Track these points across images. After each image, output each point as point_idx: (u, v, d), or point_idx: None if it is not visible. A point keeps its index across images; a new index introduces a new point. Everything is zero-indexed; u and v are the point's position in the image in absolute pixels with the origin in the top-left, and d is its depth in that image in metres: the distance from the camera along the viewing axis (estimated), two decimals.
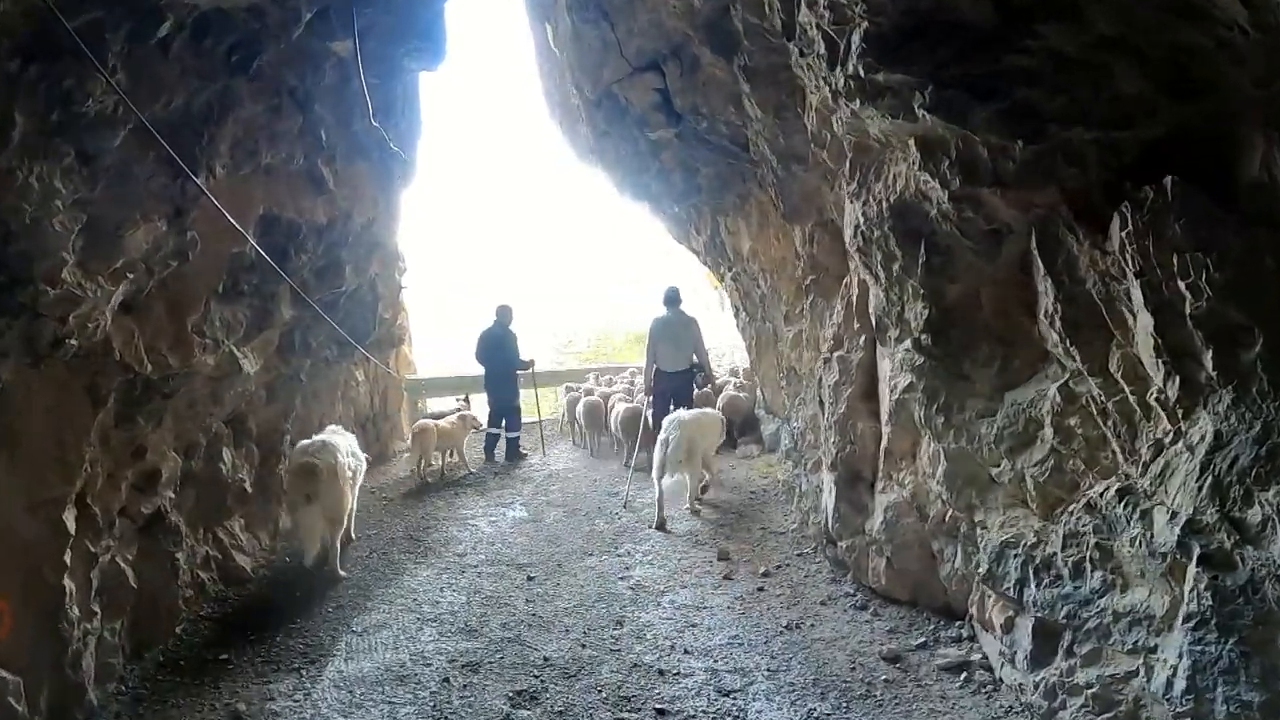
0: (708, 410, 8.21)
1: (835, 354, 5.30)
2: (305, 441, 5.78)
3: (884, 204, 4.27)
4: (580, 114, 8.85)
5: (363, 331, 7.83)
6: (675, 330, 8.65)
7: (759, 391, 10.07)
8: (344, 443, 5.96)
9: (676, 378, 8.57)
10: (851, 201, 4.59)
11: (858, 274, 5.08)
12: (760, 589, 5.27)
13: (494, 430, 9.85)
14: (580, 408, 10.39)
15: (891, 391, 4.56)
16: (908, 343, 4.37)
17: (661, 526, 6.69)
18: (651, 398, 8.77)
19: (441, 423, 8.89)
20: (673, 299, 8.83)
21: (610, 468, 9.29)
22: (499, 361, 9.70)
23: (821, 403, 5.57)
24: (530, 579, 5.55)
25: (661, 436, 7.07)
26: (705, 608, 4.96)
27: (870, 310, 4.79)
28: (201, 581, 5.21)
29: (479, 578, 5.62)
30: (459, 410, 9.59)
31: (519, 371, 9.97)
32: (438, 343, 18.06)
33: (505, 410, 9.93)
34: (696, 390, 8.96)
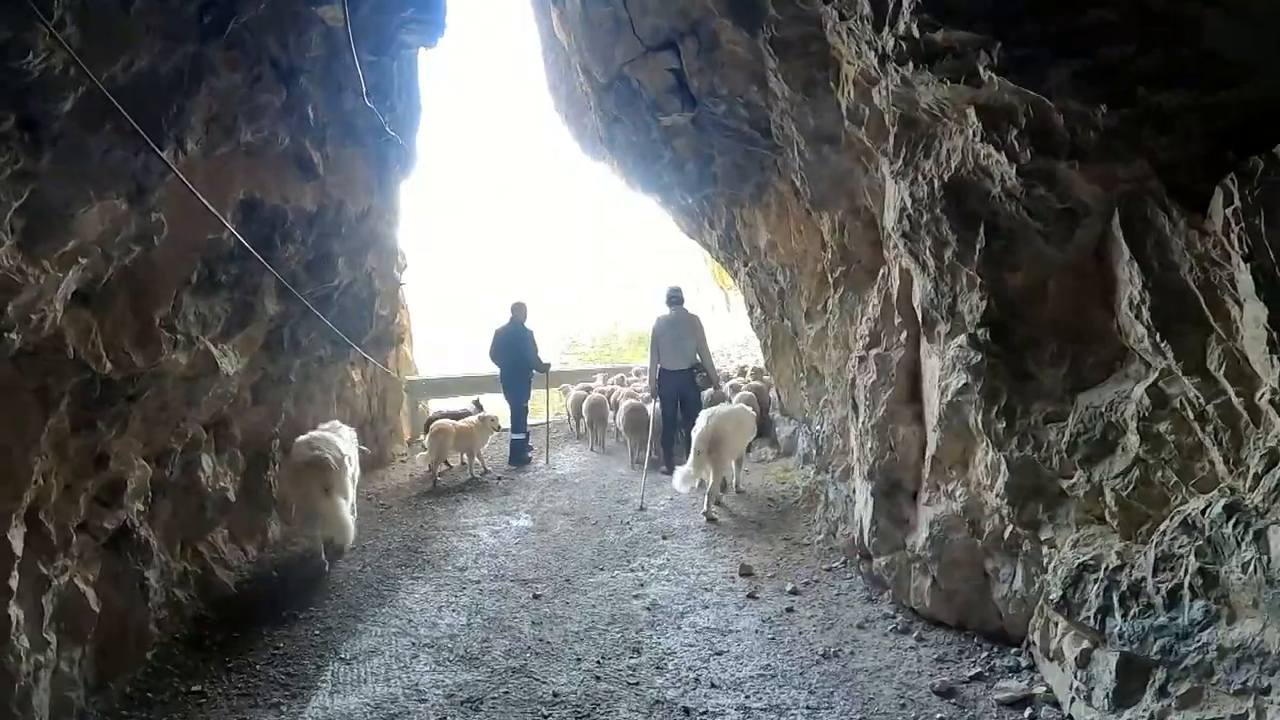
0: (743, 405, 8.05)
1: (872, 352, 4.83)
2: (304, 437, 5.83)
3: (935, 183, 3.81)
4: (588, 102, 8.41)
5: (358, 330, 7.38)
6: (679, 329, 8.56)
7: (775, 392, 9.59)
8: (338, 439, 6.00)
9: (680, 376, 8.50)
10: (896, 182, 4.13)
11: (899, 263, 4.61)
12: (789, 609, 4.79)
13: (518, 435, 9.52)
14: (585, 404, 10.26)
15: (942, 393, 4.08)
16: (961, 339, 3.91)
17: (712, 514, 6.84)
18: (658, 397, 8.73)
19: (460, 423, 8.52)
20: (676, 298, 8.73)
21: (618, 471, 8.82)
22: (515, 360, 9.39)
23: (854, 405, 5.10)
24: (536, 597, 5.08)
25: (699, 430, 7.05)
26: (731, 632, 4.49)
27: (915, 303, 4.33)
28: (178, 601, 4.74)
29: (480, 595, 5.15)
30: (470, 411, 9.28)
31: (536, 373, 9.69)
32: (440, 342, 17.63)
33: (519, 412, 9.62)
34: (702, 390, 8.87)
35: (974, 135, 3.51)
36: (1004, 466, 3.79)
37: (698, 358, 8.68)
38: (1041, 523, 3.74)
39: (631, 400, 9.60)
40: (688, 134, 7.03)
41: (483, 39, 58.41)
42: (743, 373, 12.16)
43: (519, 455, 9.38)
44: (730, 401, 8.59)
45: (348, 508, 5.64)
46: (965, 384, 3.90)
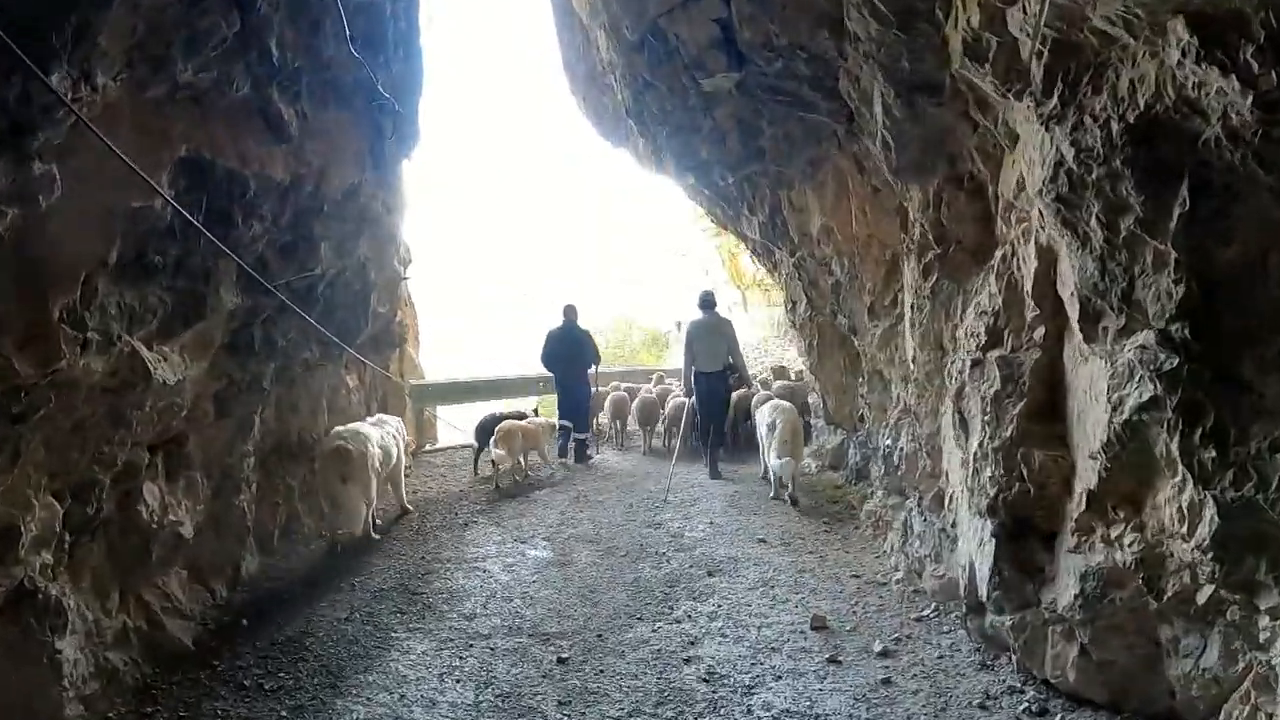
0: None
1: (991, 354, 3.74)
2: (338, 428, 5.98)
3: (1114, 126, 2.74)
4: (611, 73, 7.36)
5: (351, 328, 6.34)
6: (712, 332, 8.53)
7: (819, 398, 8.50)
8: (377, 433, 6.14)
9: (714, 378, 8.45)
10: (1048, 129, 3.04)
11: (1032, 240, 3.52)
12: (885, 680, 3.71)
13: (566, 423, 9.23)
14: (636, 405, 10.24)
15: (1112, 410, 2.99)
16: (1143, 336, 2.82)
17: (795, 503, 7.05)
18: (693, 399, 8.77)
19: (526, 424, 8.19)
20: (709, 302, 8.75)
21: (646, 489, 7.75)
22: (571, 361, 9.23)
23: (961, 421, 4.01)
24: (562, 661, 4.00)
25: (767, 420, 7.45)
26: (818, 717, 3.42)
27: (1067, 291, 3.24)
28: (113, 669, 3.70)
29: (492, 656, 4.08)
30: (526, 414, 8.94)
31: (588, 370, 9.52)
32: (442, 331, 16.59)
33: (577, 412, 9.36)
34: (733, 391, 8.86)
35: (1182, 56, 2.45)
36: (1211, 509, 2.70)
37: (730, 360, 8.58)
38: (1261, 586, 2.67)
39: (648, 395, 10.24)
40: (732, 101, 5.97)
41: (485, 26, 57.49)
42: (781, 373, 11.15)
43: (578, 456, 9.21)
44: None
45: (363, 498, 5.71)
46: (1152, 397, 2.81)
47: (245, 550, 5.36)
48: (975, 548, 3.92)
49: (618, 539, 6.09)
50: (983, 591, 3.85)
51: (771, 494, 7.28)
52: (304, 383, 6.17)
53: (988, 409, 3.70)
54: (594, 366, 9.53)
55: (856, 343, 6.73)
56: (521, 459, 8.10)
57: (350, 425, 6.07)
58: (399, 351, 9.04)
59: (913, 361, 5.06)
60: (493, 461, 7.70)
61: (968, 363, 3.91)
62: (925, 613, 4.47)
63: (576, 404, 9.30)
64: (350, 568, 5.48)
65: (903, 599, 4.72)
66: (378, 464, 5.95)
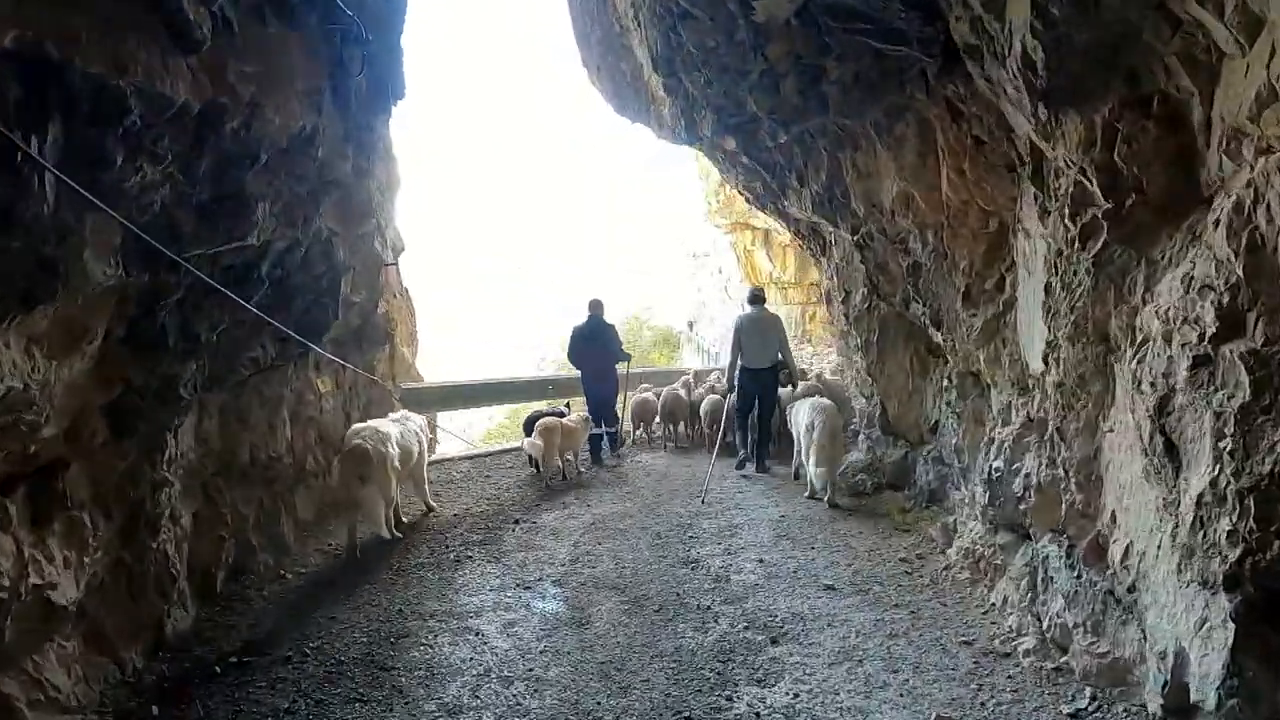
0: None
1: (1229, 348, 2.48)
2: (357, 425, 5.77)
3: None
4: (636, 18, 6.12)
5: (318, 320, 5.13)
6: (762, 327, 8.18)
7: (873, 403, 7.23)
8: (396, 430, 5.82)
9: (762, 375, 8.10)
10: None
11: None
12: None
13: (599, 430, 8.79)
14: (662, 400, 9.83)
15: None
16: None
17: (834, 504, 6.58)
18: (736, 395, 8.37)
19: (565, 421, 7.80)
20: (758, 297, 8.59)
21: (674, 511, 6.50)
22: (599, 357, 8.96)
23: (1167, 446, 2.75)
24: None
25: (805, 421, 6.85)
26: None
27: None
28: None
29: None
30: (564, 412, 8.56)
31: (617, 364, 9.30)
32: (444, 320, 15.44)
33: (605, 408, 9.09)
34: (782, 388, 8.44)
35: None
36: None
37: (780, 357, 8.20)
38: None
39: (675, 391, 9.88)
40: (790, 34, 4.71)
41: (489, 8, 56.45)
42: (820, 378, 9.98)
43: (610, 448, 9.02)
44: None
45: (382, 497, 5.49)
46: None
47: (172, 604, 4.16)
48: (1190, 629, 2.66)
49: (647, 583, 4.84)
50: (1204, 693, 2.59)
51: (806, 494, 6.89)
52: (256, 388, 4.97)
53: (1227, 430, 2.44)
54: (625, 363, 9.35)
55: (939, 337, 5.48)
56: (562, 457, 7.73)
57: (370, 423, 5.78)
58: (387, 350, 7.83)
59: (1047, 359, 3.80)
60: (530, 456, 7.50)
61: (1182, 362, 2.64)
62: (1082, 705, 3.22)
63: (605, 400, 9.06)
64: (307, 623, 4.27)
65: (1040, 680, 3.47)
66: (397, 463, 5.63)
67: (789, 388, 8.30)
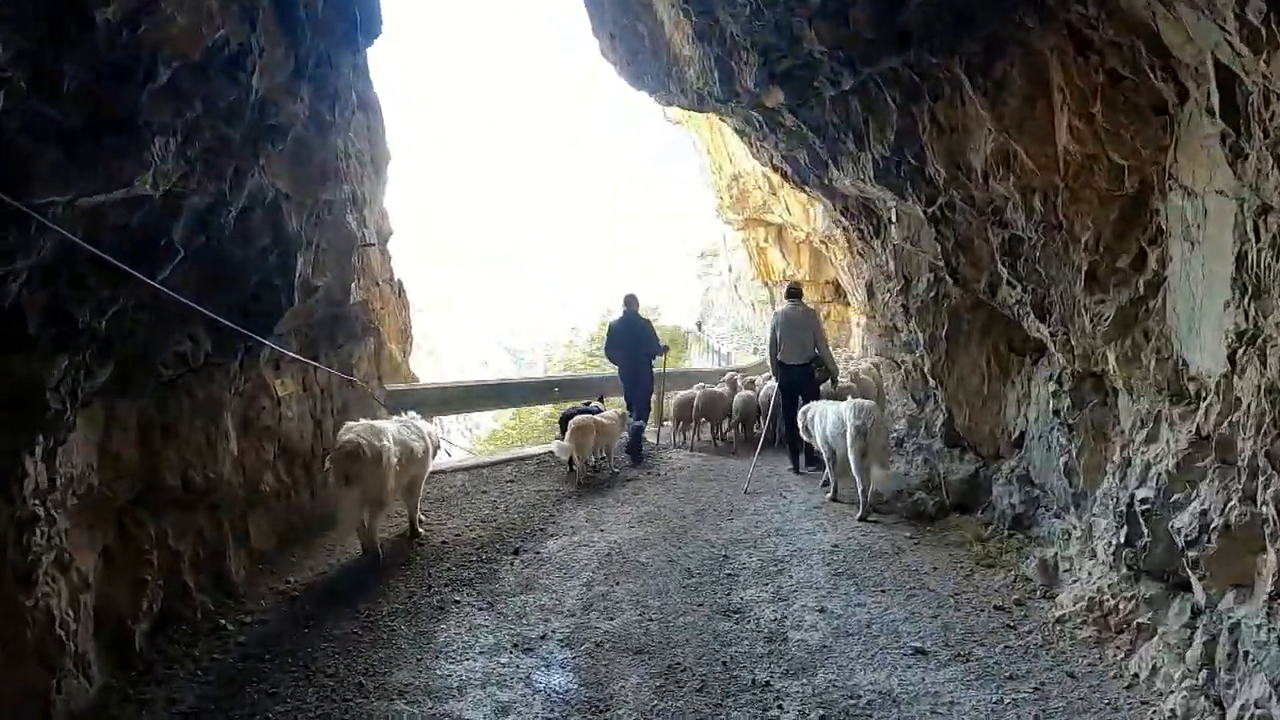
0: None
1: None
2: (351, 423, 4.89)
3: None
4: None
5: (267, 306, 4.10)
6: (797, 323, 7.99)
7: (941, 410, 6.17)
8: (393, 428, 5.06)
9: (797, 370, 7.95)
10: None
11: None
12: None
13: (639, 423, 8.59)
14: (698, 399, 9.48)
15: None
16: None
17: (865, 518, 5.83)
18: (779, 392, 8.24)
19: (599, 418, 7.45)
20: (795, 292, 8.61)
21: (704, 535, 5.45)
22: (635, 353, 8.82)
23: None
24: None
25: (856, 423, 5.86)
26: None
27: None
28: None
29: None
30: (600, 408, 8.04)
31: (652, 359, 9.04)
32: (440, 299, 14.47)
33: (640, 403, 8.89)
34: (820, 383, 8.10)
35: None
36: None
37: (816, 351, 7.94)
38: None
39: (708, 388, 9.71)
40: None
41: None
42: (855, 378, 9.02)
43: (639, 445, 8.56)
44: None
45: (367, 500, 4.71)
46: None
47: (63, 674, 3.14)
48: None
49: (681, 644, 3.77)
50: None
51: (858, 515, 5.90)
52: (187, 392, 3.94)
53: None
54: (661, 358, 9.17)
55: (1042, 330, 4.40)
56: (595, 454, 7.49)
57: (365, 420, 5.01)
58: (369, 346, 6.80)
59: (1235, 357, 2.75)
60: (566, 456, 7.16)
61: None
62: None
63: (640, 395, 8.85)
64: (240, 698, 3.24)
65: None
66: (395, 462, 4.84)
67: (826, 383, 8.05)
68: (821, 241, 22.33)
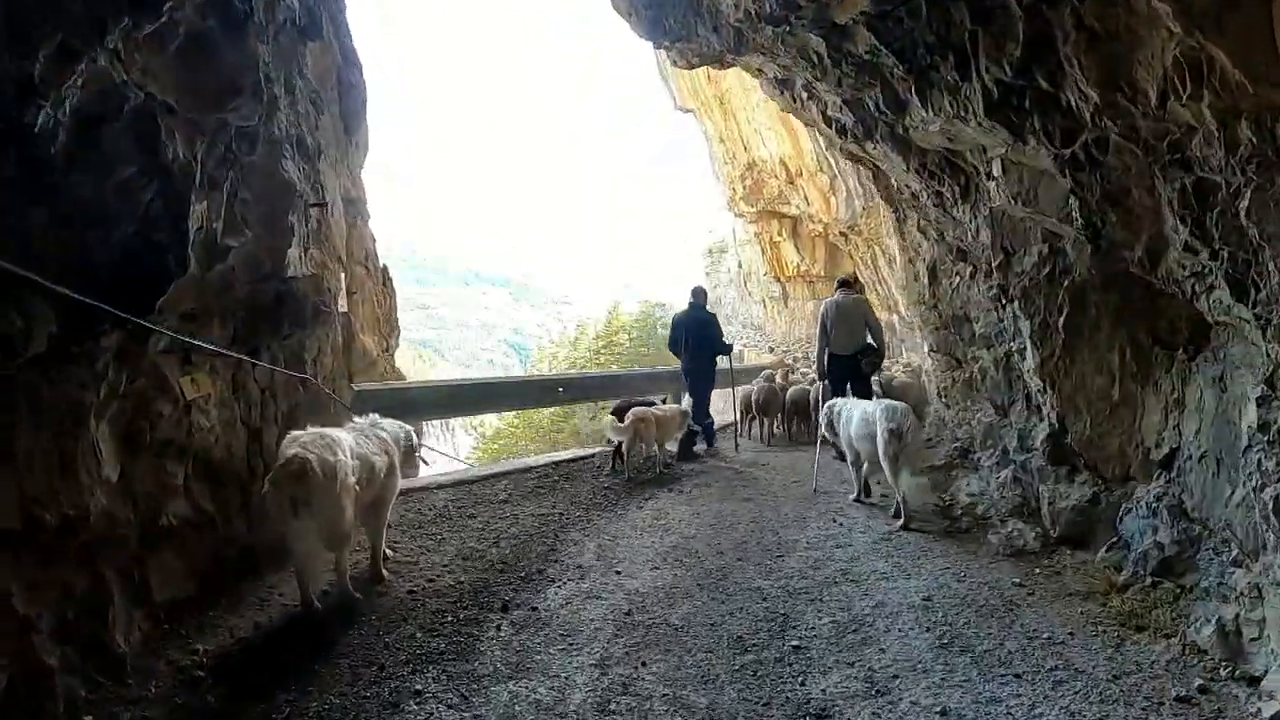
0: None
1: None
2: (295, 433, 3.71)
3: None
4: None
5: (148, 264, 2.85)
6: (849, 312, 7.75)
7: (1049, 417, 4.89)
8: (349, 440, 3.86)
9: (846, 361, 7.74)
10: None
11: None
12: None
13: (696, 427, 8.21)
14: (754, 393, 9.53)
15: None
16: None
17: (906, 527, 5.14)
18: (825, 383, 8.01)
19: (656, 411, 7.17)
20: (847, 282, 8.32)
21: (753, 580, 4.18)
22: (702, 348, 8.47)
23: None
24: None
25: (890, 426, 5.20)
26: None
27: None
28: None
29: None
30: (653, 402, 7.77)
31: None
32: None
33: (701, 401, 8.49)
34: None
35: None
36: None
37: (870, 340, 7.77)
38: None
39: (768, 384, 9.67)
40: None
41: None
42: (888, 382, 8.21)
43: (707, 443, 8.48)
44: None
45: (326, 536, 3.57)
46: None
47: None
48: None
49: None
50: None
51: (900, 523, 5.30)
52: (28, 393, 2.69)
53: None
54: (727, 356, 8.76)
55: (1242, 312, 3.13)
56: (654, 448, 7.14)
57: (315, 429, 3.84)
58: (335, 336, 5.54)
59: None
60: (619, 439, 6.73)
61: None
62: None
63: (701, 393, 8.45)
64: None
65: None
66: (352, 480, 3.70)
67: (877, 375, 7.97)
68: (841, 233, 21.06)
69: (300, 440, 3.60)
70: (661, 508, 5.74)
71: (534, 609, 3.73)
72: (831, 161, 17.61)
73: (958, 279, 6.31)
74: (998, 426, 5.97)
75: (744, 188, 23.59)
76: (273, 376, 4.59)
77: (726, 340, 8.94)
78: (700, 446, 8.23)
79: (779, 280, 27.93)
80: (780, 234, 26.05)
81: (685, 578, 4.18)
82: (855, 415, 5.75)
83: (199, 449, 3.92)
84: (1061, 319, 4.35)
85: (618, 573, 4.26)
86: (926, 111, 4.29)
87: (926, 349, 8.41)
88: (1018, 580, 4.20)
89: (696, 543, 4.85)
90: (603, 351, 35.17)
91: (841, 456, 6.54)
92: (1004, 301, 4.81)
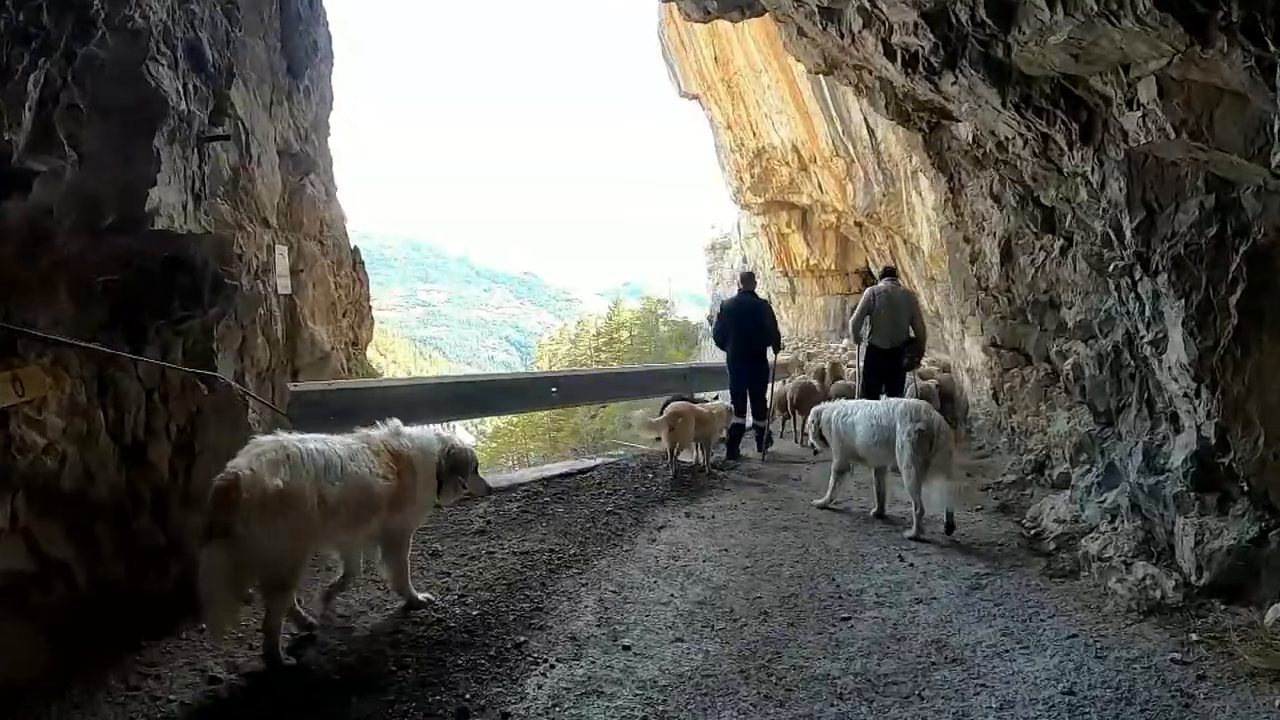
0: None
1: None
2: (263, 439, 2.95)
3: None
4: None
5: None
6: (898, 303, 7.26)
7: (1204, 430, 3.69)
8: (341, 451, 3.00)
9: (887, 356, 7.24)
10: None
11: None
12: None
13: (741, 421, 7.61)
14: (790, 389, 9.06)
15: None
16: None
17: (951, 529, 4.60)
18: (863, 378, 7.52)
19: (698, 408, 6.60)
20: (892, 271, 7.95)
21: (813, 668, 3.01)
22: (752, 338, 7.72)
23: None
24: None
25: (918, 427, 4.63)
26: None
27: None
28: None
29: None
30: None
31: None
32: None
33: (756, 399, 7.83)
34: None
35: None
36: None
37: (912, 334, 7.31)
38: None
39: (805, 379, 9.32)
40: None
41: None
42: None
43: (759, 446, 7.86)
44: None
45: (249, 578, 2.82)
46: None
47: None
48: None
49: None
50: None
51: (911, 532, 4.70)
52: None
53: None
54: (779, 343, 8.12)
55: None
56: (695, 448, 6.68)
57: (275, 438, 2.92)
58: (270, 323, 4.35)
59: None
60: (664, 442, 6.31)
61: None
62: None
63: (754, 388, 7.72)
64: None
65: None
66: (315, 510, 2.79)
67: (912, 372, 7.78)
68: (856, 223, 19.85)
69: (250, 450, 2.80)
70: (679, 540, 4.53)
71: (504, 715, 2.53)
72: (848, 146, 16.42)
73: (1042, 255, 5.14)
74: (1099, 438, 4.78)
75: (752, 176, 22.38)
76: (164, 374, 3.41)
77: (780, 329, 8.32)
78: (748, 450, 7.65)
79: (786, 275, 26.73)
80: (789, 226, 24.86)
81: (721, 658, 2.97)
82: (861, 419, 5.06)
83: (31, 474, 2.75)
84: (1235, 297, 3.16)
85: (626, 647, 3.05)
86: (1054, 11, 3.09)
87: (979, 344, 7.29)
88: (1176, 655, 3.03)
89: (730, 596, 3.65)
90: (603, 349, 34.04)
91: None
92: (1137, 276, 3.61)
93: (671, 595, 3.63)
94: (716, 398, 8.20)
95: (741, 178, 23.20)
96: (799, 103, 17.21)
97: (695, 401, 7.20)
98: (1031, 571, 4.18)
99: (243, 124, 3.95)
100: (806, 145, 18.13)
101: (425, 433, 3.46)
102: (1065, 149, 3.95)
